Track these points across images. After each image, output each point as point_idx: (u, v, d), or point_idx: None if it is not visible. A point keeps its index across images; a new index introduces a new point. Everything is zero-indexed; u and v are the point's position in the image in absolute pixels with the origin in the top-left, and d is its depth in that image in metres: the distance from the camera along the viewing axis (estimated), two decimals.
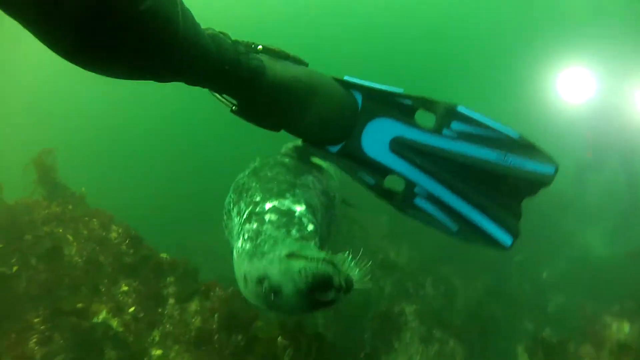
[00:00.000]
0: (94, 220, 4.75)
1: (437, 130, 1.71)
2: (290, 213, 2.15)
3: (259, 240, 2.04)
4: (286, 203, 2.19)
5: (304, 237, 2.09)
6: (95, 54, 1.34)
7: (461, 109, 1.70)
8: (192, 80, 1.59)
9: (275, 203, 2.17)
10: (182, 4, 1.47)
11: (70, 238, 4.65)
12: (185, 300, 4.42)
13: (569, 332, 5.60)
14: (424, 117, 1.81)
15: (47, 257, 4.62)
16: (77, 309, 4.35)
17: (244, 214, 2.26)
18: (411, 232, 8.09)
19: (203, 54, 1.52)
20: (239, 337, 4.15)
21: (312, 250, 1.93)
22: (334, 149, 1.88)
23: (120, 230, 4.70)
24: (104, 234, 4.67)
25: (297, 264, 1.78)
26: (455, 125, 1.66)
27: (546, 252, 8.32)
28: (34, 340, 4.39)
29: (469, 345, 5.89)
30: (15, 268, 4.58)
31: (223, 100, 1.80)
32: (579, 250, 8.60)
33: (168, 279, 4.51)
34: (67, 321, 4.30)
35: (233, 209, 2.41)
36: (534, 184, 1.74)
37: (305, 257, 1.80)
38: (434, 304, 6.27)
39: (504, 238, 1.73)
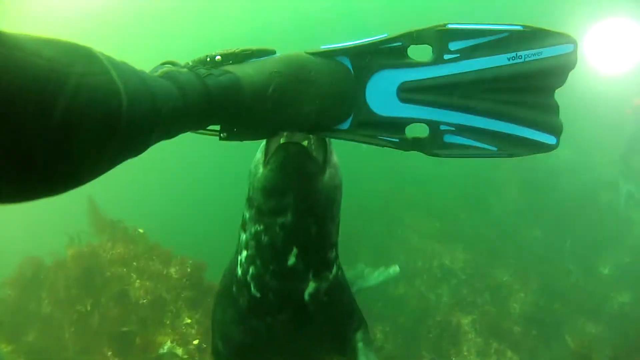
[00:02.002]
0: (154, 257, 5.02)
1: (437, 59, 1.54)
2: None
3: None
4: None
5: None
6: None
7: (452, 25, 1.53)
8: (170, 137, 1.32)
9: None
10: (117, 72, 0.94)
11: (134, 276, 4.95)
12: None
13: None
14: (422, 52, 1.62)
15: (116, 296, 4.97)
16: (145, 343, 4.67)
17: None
18: (464, 234, 7.97)
19: (169, 110, 1.16)
20: None
21: None
22: (345, 125, 1.67)
23: (177, 267, 4.95)
24: (164, 271, 4.94)
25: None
26: (454, 45, 1.52)
27: (605, 242, 7.82)
28: None
29: (527, 354, 5.80)
30: (89, 307, 4.98)
31: (207, 132, 1.54)
32: None
33: None
34: (136, 355, 4.64)
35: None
36: (559, 69, 1.54)
37: None
38: (491, 311, 6.16)
39: (548, 139, 1.59)
